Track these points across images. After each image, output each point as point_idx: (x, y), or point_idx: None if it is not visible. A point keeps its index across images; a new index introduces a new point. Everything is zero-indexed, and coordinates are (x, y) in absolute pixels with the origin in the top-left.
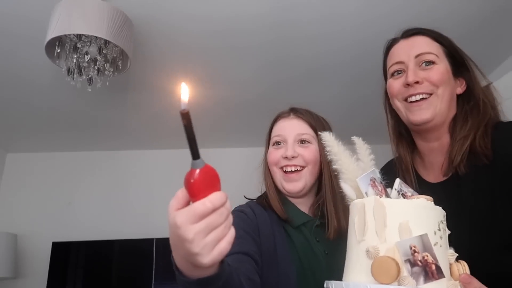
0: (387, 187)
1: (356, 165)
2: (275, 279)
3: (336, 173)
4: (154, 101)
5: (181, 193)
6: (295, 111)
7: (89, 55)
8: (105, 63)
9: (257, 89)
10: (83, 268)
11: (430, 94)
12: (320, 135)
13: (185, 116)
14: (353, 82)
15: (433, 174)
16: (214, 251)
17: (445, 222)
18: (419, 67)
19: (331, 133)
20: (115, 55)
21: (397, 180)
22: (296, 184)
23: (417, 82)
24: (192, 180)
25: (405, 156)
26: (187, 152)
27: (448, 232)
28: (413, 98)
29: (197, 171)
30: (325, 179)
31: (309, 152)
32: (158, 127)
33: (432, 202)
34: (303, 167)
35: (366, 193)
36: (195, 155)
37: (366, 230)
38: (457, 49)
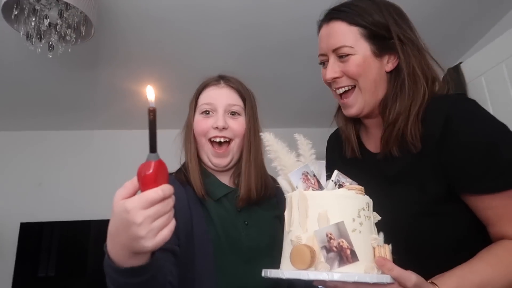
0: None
1: (295, 160)
2: (191, 256)
3: (277, 169)
4: (126, 79)
5: (131, 184)
6: (226, 80)
7: (48, 19)
8: (67, 29)
9: (227, 59)
10: (57, 250)
11: (353, 86)
12: (261, 135)
13: (152, 113)
14: None
15: (375, 144)
16: (157, 237)
17: (369, 209)
18: (339, 58)
19: (271, 133)
20: (77, 20)
21: (335, 172)
22: (224, 159)
23: (336, 78)
24: (147, 172)
25: (345, 126)
26: (161, 133)
27: (377, 218)
28: (338, 91)
29: (153, 163)
30: (245, 149)
31: (238, 125)
32: (131, 106)
33: (361, 191)
34: (230, 140)
35: (296, 187)
36: (153, 148)
37: (292, 222)
38: (381, 25)
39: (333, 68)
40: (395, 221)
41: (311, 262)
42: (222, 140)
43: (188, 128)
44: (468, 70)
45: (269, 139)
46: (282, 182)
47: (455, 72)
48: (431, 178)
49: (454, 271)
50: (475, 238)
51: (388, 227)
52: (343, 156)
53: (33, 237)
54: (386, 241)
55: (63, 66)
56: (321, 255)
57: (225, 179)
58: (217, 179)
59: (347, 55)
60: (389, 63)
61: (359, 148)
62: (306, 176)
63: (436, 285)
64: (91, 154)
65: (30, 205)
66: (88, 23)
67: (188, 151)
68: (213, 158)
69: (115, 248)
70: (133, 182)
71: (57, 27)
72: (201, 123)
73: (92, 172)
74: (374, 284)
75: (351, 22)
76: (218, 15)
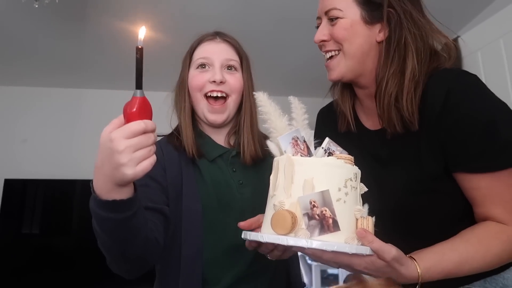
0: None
1: (286, 124)
2: (180, 215)
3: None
4: (117, 34)
5: (118, 120)
6: (222, 35)
7: None
8: None
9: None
10: (42, 208)
11: (339, 50)
12: (254, 94)
13: (139, 51)
14: None
15: (372, 120)
16: (138, 167)
17: (356, 180)
18: (329, 22)
19: (264, 93)
20: None
21: (326, 139)
22: (221, 115)
23: (324, 41)
24: (132, 106)
25: (340, 99)
26: (149, 95)
27: (364, 189)
28: (326, 56)
29: (138, 99)
30: (245, 107)
31: (236, 80)
32: (119, 66)
33: (351, 161)
34: (227, 96)
35: (285, 151)
36: (139, 85)
37: (277, 186)
38: None
39: (322, 31)
40: (387, 197)
41: (292, 228)
42: (219, 95)
43: (182, 85)
44: (465, 45)
45: (262, 99)
46: (271, 145)
47: None
48: (429, 155)
49: (434, 247)
50: (465, 219)
51: (379, 202)
52: (337, 130)
53: (18, 194)
54: (371, 214)
55: (50, 18)
56: (302, 222)
57: (220, 139)
58: (212, 140)
59: (336, 18)
60: (380, 33)
61: (354, 122)
62: (296, 141)
63: (414, 260)
64: (78, 113)
65: (14, 162)
66: None
67: (181, 109)
68: (209, 115)
69: (100, 180)
70: (119, 119)
71: None
72: (197, 77)
73: (78, 131)
74: (354, 255)
75: None
76: None
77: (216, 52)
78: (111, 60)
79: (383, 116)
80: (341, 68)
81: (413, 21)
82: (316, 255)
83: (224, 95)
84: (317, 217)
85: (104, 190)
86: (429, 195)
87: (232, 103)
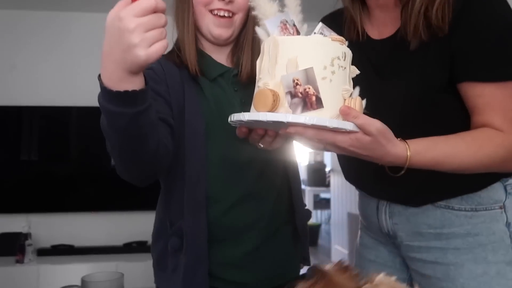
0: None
1: (276, 10)
2: (182, 130)
3: (257, 20)
4: None
5: (124, 1)
6: None
7: None
8: None
9: None
10: (38, 135)
11: None
12: None
13: None
14: None
15: (378, 30)
16: (151, 48)
17: (345, 60)
18: None
19: None
20: None
21: (319, 24)
22: (227, 30)
23: None
24: None
25: (351, 5)
26: None
27: (356, 72)
28: None
29: None
30: (249, 26)
31: None
32: None
33: (342, 41)
34: (234, 14)
35: (272, 34)
36: None
37: (262, 69)
38: None
39: None
40: (388, 111)
41: (273, 106)
42: (226, 14)
43: None
44: None
45: None
46: (259, 31)
47: None
48: (437, 63)
49: (429, 137)
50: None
51: (379, 118)
52: None
53: (12, 121)
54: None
55: None
56: (285, 101)
57: (222, 58)
58: (213, 59)
59: None
60: None
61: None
62: (285, 25)
63: (405, 142)
64: (68, 38)
65: (6, 88)
66: None
67: (184, 22)
68: (214, 29)
69: (109, 69)
70: (125, 0)
71: None
72: None
73: (69, 56)
74: (338, 131)
75: None
76: None
77: None
78: None
79: (409, 26)
80: None
81: None
82: (299, 132)
83: (230, 14)
84: (300, 95)
85: (115, 79)
86: (431, 108)
87: (238, 20)
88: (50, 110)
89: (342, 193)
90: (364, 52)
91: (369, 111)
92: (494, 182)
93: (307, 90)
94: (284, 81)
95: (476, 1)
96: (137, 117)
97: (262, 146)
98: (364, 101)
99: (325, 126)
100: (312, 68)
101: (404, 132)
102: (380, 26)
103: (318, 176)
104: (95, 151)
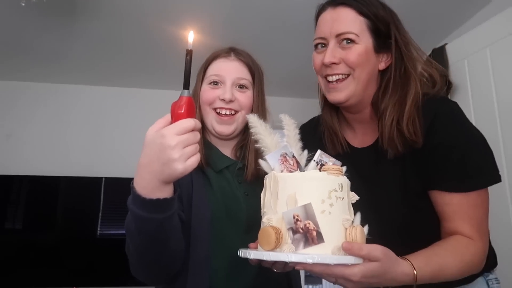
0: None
1: (278, 141)
2: (188, 221)
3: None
4: (104, 33)
5: (163, 120)
6: (237, 53)
7: None
8: None
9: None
10: (25, 204)
11: (347, 75)
12: (246, 117)
13: (189, 53)
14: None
15: (359, 139)
16: (188, 161)
17: (342, 190)
18: (340, 44)
19: (255, 114)
20: None
21: (318, 152)
22: (228, 127)
23: (334, 63)
24: (180, 105)
25: (332, 121)
26: (135, 92)
27: (355, 198)
28: (330, 78)
29: (186, 98)
30: None
31: (245, 98)
32: (107, 63)
33: (340, 171)
34: (236, 112)
35: (273, 169)
36: (186, 85)
37: (266, 203)
38: (384, 21)
39: (333, 53)
40: (379, 213)
41: (277, 243)
42: (227, 112)
43: (194, 97)
44: (452, 52)
45: (253, 121)
46: (263, 163)
47: (440, 53)
48: (414, 173)
49: (421, 251)
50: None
51: (368, 219)
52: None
53: (1, 189)
54: (364, 223)
55: (36, 14)
56: (287, 237)
57: (227, 151)
58: (219, 151)
59: (351, 41)
60: (382, 62)
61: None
62: (285, 157)
63: (407, 259)
64: (63, 109)
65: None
66: None
67: None
68: (217, 126)
69: (145, 179)
70: (165, 119)
71: None
72: (208, 93)
73: (64, 127)
74: (346, 265)
75: (360, 11)
76: None
77: (228, 70)
78: (97, 57)
79: (384, 138)
80: (350, 91)
81: (410, 51)
82: (307, 268)
83: (233, 112)
84: (301, 230)
85: (149, 188)
86: (414, 210)
87: (241, 117)
88: (39, 179)
89: None
90: (349, 161)
91: (364, 208)
92: (477, 277)
93: (307, 225)
94: (286, 217)
95: (441, 120)
96: (165, 222)
97: (275, 270)
98: (365, 228)
99: (328, 264)
100: (310, 204)
101: (398, 226)
102: (361, 136)
103: None
104: (83, 222)
